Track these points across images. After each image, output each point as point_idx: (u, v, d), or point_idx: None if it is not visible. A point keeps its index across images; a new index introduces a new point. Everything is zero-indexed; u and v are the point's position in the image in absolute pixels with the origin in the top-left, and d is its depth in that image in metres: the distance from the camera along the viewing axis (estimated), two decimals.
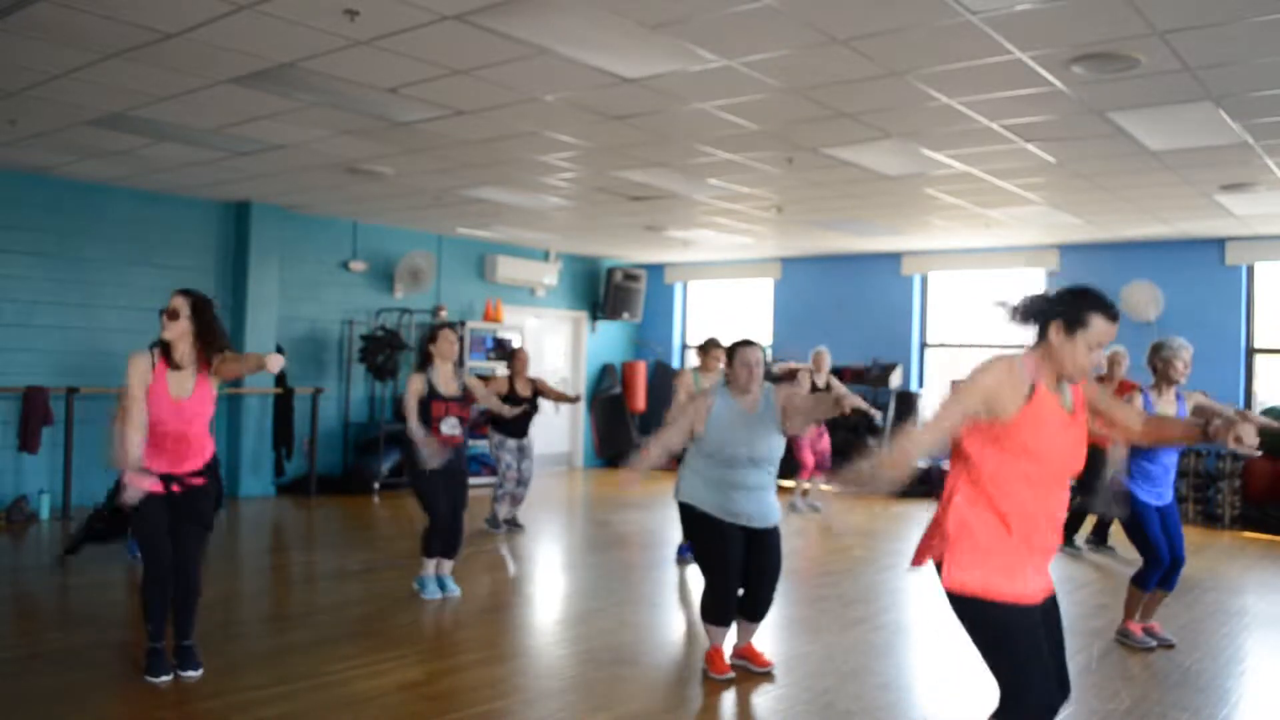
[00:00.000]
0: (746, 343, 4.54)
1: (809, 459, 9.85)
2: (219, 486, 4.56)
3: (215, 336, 4.33)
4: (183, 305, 4.29)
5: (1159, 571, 5.21)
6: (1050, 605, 2.83)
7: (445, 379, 5.89)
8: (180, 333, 4.27)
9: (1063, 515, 2.81)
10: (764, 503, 4.50)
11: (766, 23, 4.39)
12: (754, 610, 4.60)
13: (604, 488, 11.65)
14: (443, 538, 5.91)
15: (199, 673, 4.32)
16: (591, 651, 4.95)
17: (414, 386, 5.79)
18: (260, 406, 10.01)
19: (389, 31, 4.67)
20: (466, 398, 5.99)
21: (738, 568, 4.47)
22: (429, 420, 5.78)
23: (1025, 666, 2.74)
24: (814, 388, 9.49)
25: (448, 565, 6.06)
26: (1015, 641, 2.74)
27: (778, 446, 4.50)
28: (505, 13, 4.38)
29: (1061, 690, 2.82)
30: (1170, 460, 5.23)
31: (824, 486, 10.55)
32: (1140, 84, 5.06)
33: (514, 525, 8.48)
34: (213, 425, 4.51)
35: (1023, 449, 2.70)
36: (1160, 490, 5.21)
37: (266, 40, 4.83)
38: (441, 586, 6.00)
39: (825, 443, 9.98)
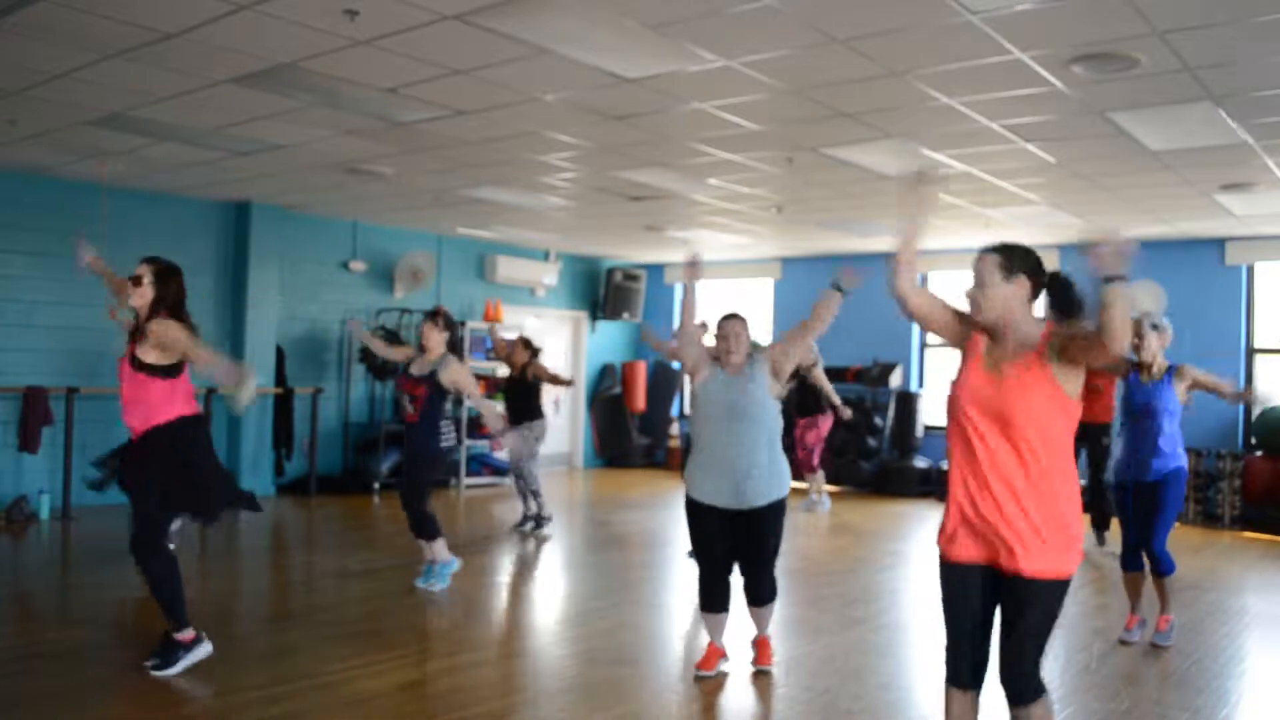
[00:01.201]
0: (728, 316, 4.62)
1: (801, 455, 9.82)
2: (159, 468, 4.32)
3: (174, 305, 4.32)
4: (146, 272, 4.32)
5: (1125, 547, 5.27)
6: (998, 577, 2.79)
7: (420, 362, 6.06)
8: (146, 300, 4.29)
9: (1007, 480, 2.74)
10: (747, 479, 4.37)
11: (766, 23, 4.39)
12: (749, 593, 4.63)
13: (604, 488, 11.65)
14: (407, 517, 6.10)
15: (155, 671, 4.27)
16: (591, 651, 4.95)
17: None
18: (260, 406, 10.01)
19: (389, 31, 4.67)
20: (431, 379, 5.98)
21: (719, 553, 4.49)
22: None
23: (946, 625, 2.88)
24: (800, 380, 9.65)
25: (427, 551, 6.10)
26: (942, 596, 2.89)
27: (758, 404, 4.42)
28: (505, 13, 4.38)
29: (1002, 672, 2.79)
30: (1137, 438, 5.15)
31: (824, 486, 10.53)
32: (1140, 84, 5.06)
33: (531, 524, 8.43)
34: (208, 420, 4.49)
35: (952, 396, 2.86)
36: (1123, 466, 5.20)
37: (266, 40, 4.83)
38: (427, 576, 6.09)
39: (813, 435, 9.78)
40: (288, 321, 10.28)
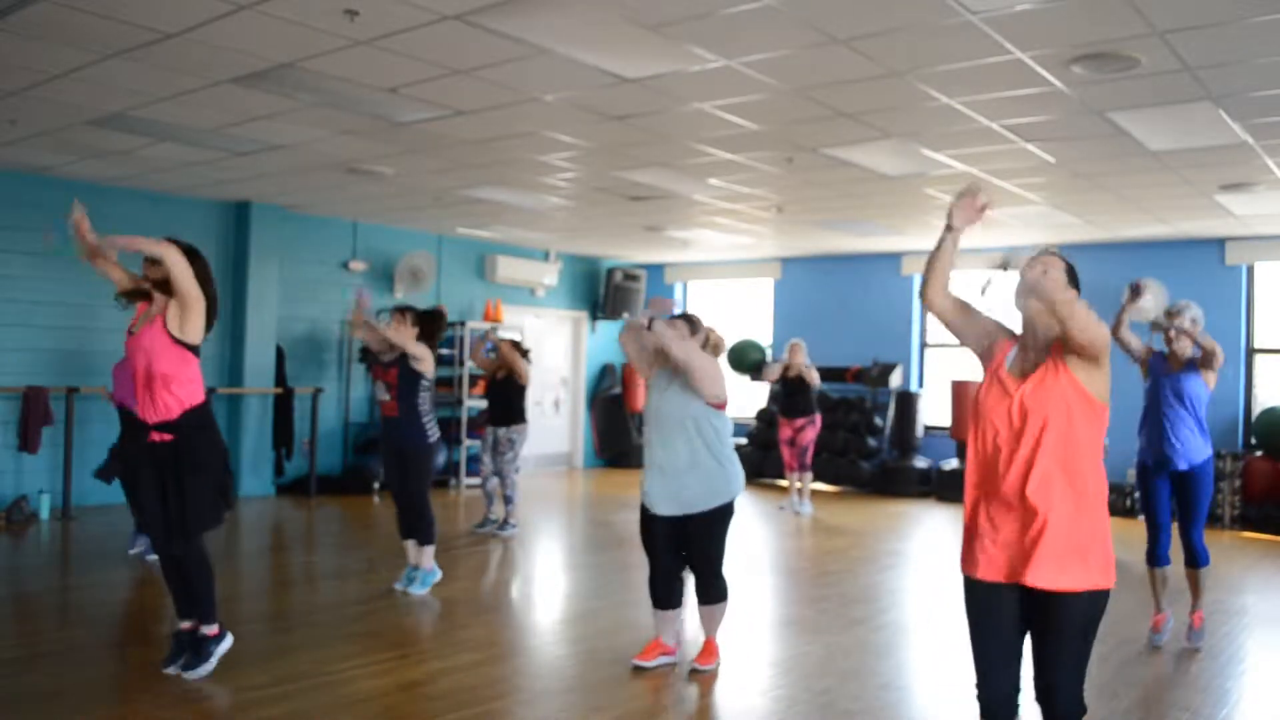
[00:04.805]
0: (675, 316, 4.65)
1: (788, 455, 9.82)
2: (204, 454, 4.21)
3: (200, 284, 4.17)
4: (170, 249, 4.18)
5: (1151, 542, 5.25)
6: (1029, 594, 2.72)
7: (392, 354, 6.01)
8: (162, 277, 4.17)
9: (1026, 489, 2.68)
10: (676, 485, 4.46)
11: (766, 23, 4.39)
12: (697, 592, 4.68)
13: (604, 488, 11.65)
14: (398, 517, 6.06)
15: (189, 673, 4.22)
16: (591, 651, 4.95)
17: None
18: (260, 406, 10.02)
19: (389, 31, 4.67)
20: (396, 360, 5.94)
21: (659, 554, 4.59)
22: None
23: (973, 645, 2.83)
24: (785, 379, 9.70)
25: (414, 554, 6.05)
26: (968, 618, 2.84)
27: (682, 406, 4.46)
28: (505, 13, 4.38)
29: (1039, 697, 2.76)
30: (1165, 420, 5.12)
31: (812, 486, 10.49)
32: (1140, 84, 5.07)
33: (494, 526, 8.23)
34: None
35: (974, 411, 2.86)
36: (1155, 452, 5.16)
37: (266, 40, 4.83)
38: (409, 580, 6.01)
39: (807, 436, 9.75)
40: (288, 321, 10.28)
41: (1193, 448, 5.11)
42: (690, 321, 4.66)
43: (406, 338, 5.87)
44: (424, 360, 5.91)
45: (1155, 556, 5.26)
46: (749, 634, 5.42)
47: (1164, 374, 5.20)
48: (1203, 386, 5.12)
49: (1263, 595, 6.77)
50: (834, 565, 7.34)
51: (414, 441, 5.94)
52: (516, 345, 8.40)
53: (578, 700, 4.24)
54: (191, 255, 4.24)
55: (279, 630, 5.27)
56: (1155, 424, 5.18)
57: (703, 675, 4.57)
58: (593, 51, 4.88)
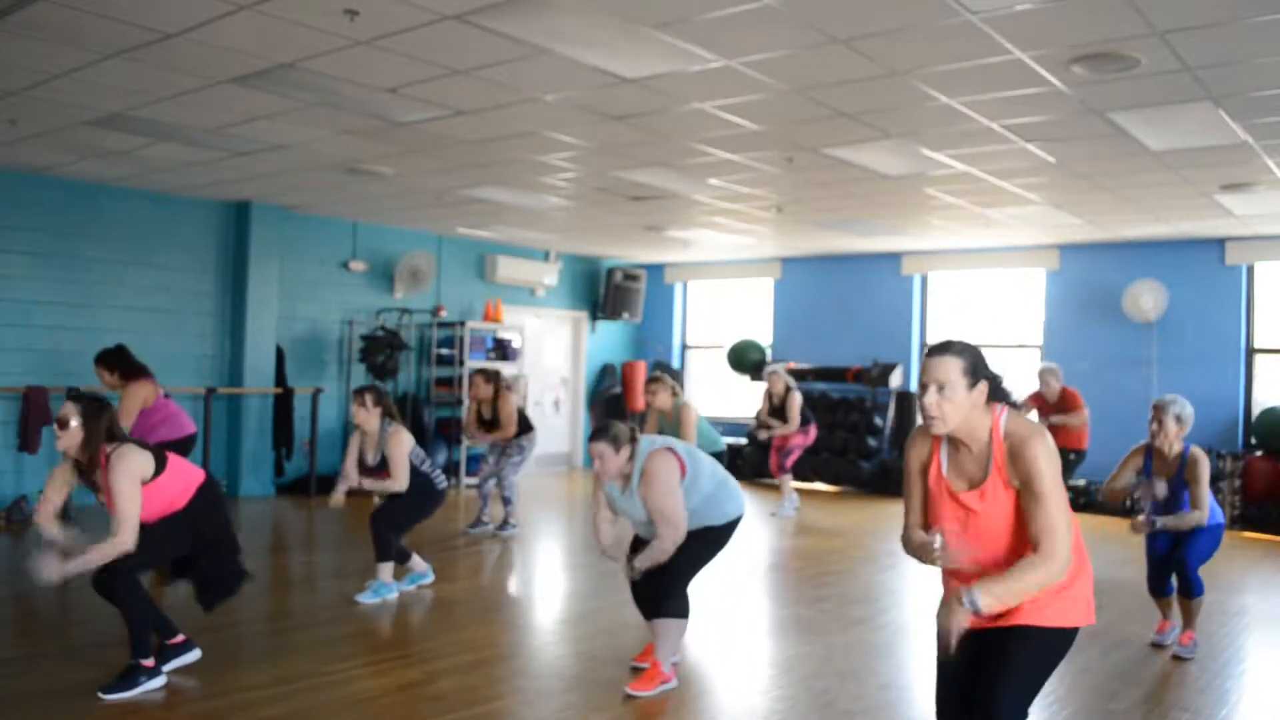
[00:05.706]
0: (598, 430, 4.30)
1: (774, 461, 9.82)
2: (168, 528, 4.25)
3: (108, 437, 4.09)
4: (71, 413, 4.05)
5: (1149, 573, 5.24)
6: (984, 634, 2.68)
7: (370, 446, 6.09)
8: (73, 443, 4.05)
9: (996, 569, 2.62)
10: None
11: (766, 23, 4.39)
12: (654, 600, 4.47)
13: None
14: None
15: (106, 693, 4.05)
16: (591, 651, 4.95)
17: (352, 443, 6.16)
18: (260, 406, 10.01)
19: (389, 31, 4.67)
20: (380, 462, 6.00)
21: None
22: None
23: (938, 689, 2.89)
24: (771, 407, 9.63)
25: (411, 561, 6.16)
26: (937, 661, 2.87)
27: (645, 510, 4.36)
28: (505, 13, 4.38)
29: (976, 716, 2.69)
30: (1163, 511, 5.08)
31: (805, 486, 10.46)
32: (1140, 84, 5.07)
33: (486, 526, 8.18)
34: (192, 446, 4.33)
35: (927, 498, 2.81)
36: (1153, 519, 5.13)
37: (266, 40, 4.84)
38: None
39: (792, 441, 9.68)
40: (288, 321, 10.28)
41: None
42: (613, 439, 4.24)
43: (395, 448, 5.88)
44: (400, 468, 5.87)
45: (1156, 590, 5.25)
46: (749, 634, 5.43)
47: (1155, 474, 5.08)
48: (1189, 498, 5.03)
49: (1263, 595, 6.77)
50: (834, 565, 7.34)
51: (422, 487, 5.99)
52: (489, 377, 7.99)
53: (578, 700, 4.24)
54: (99, 409, 4.11)
55: (279, 630, 5.27)
56: (1154, 507, 5.10)
57: (638, 702, 4.22)
58: (593, 51, 4.88)
